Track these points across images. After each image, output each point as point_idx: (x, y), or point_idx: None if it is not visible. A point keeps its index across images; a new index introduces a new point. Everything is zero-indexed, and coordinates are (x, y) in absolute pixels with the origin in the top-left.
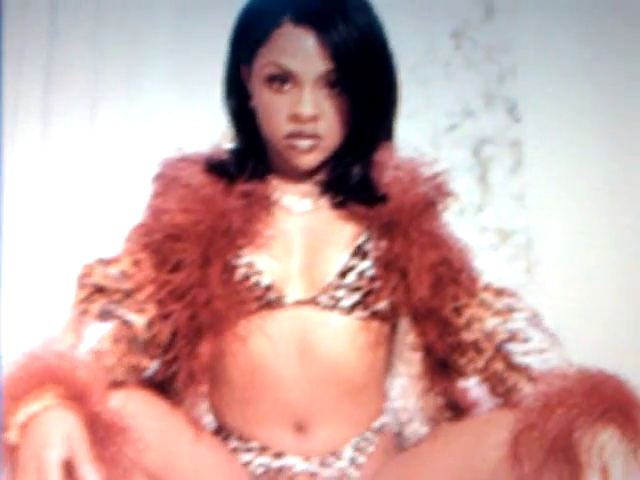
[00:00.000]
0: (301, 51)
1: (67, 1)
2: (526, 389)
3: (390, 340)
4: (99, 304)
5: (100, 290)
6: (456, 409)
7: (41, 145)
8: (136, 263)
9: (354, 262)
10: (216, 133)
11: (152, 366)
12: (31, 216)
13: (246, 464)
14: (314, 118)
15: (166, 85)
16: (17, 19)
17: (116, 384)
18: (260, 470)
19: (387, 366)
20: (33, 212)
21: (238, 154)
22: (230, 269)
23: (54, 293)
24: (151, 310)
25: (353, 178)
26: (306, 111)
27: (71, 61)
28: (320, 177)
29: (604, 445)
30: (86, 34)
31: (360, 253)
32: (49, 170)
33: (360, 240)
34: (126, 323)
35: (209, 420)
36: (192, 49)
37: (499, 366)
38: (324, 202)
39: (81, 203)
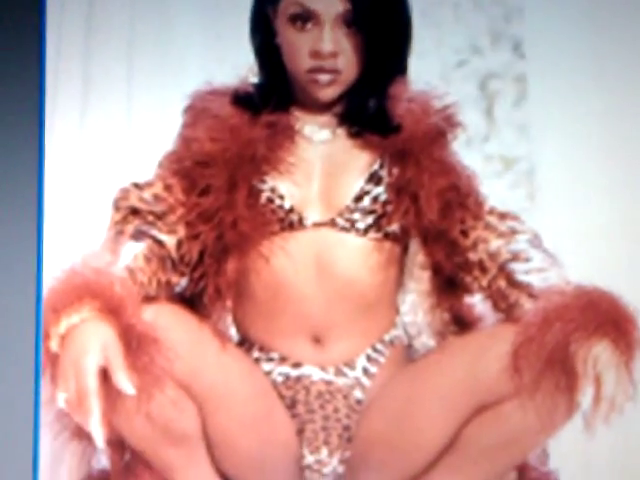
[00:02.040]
0: None
1: None
2: (526, 305)
3: (401, 259)
4: (133, 225)
5: (135, 212)
6: (462, 323)
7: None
8: (168, 187)
9: (369, 187)
10: (243, 68)
11: (181, 282)
12: (74, 148)
13: (267, 373)
14: (333, 54)
15: (197, 25)
16: None
17: (149, 299)
18: (280, 379)
19: (398, 283)
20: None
21: (263, 87)
22: (255, 193)
23: (93, 215)
24: (181, 231)
25: (369, 110)
26: (326, 48)
27: (109, 9)
28: (338, 109)
29: (598, 356)
30: None
31: (374, 179)
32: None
33: (374, 167)
34: (158, 242)
35: (233, 333)
36: None
37: (502, 284)
38: (342, 132)
39: (118, 134)
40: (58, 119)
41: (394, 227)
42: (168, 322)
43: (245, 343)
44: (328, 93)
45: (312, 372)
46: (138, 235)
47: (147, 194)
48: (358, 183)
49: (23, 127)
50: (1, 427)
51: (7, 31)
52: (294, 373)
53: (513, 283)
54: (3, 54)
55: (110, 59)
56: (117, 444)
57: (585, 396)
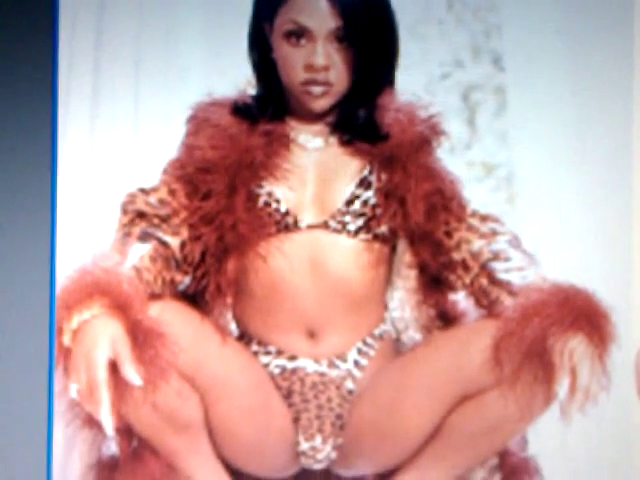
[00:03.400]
0: (315, 10)
1: None
2: (507, 301)
3: (390, 259)
4: (140, 227)
5: (141, 215)
6: (446, 319)
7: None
8: (172, 192)
9: (359, 192)
10: (242, 81)
11: (185, 281)
12: (85, 156)
13: (265, 365)
14: (326, 68)
15: (200, 41)
16: None
17: (154, 296)
18: (277, 370)
19: (387, 281)
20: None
21: (260, 99)
22: (253, 197)
23: (102, 218)
24: (184, 233)
25: (359, 119)
26: (319, 62)
27: (118, 19)
28: (330, 118)
29: (573, 349)
30: (131, 2)
31: (364, 184)
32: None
33: (364, 173)
34: (163, 244)
35: (233, 328)
36: (221, 9)
37: (484, 282)
38: (334, 140)
39: (125, 143)
40: (70, 129)
41: (383, 229)
42: (172, 318)
43: (244, 337)
44: (321, 104)
45: (307, 364)
46: (144, 237)
47: (153, 198)
48: (349, 188)
49: (38, 136)
50: (18, 416)
51: (22, 48)
52: (290, 365)
53: (494, 281)
54: (19, 69)
55: (118, 73)
56: (125, 432)
57: (561, 386)
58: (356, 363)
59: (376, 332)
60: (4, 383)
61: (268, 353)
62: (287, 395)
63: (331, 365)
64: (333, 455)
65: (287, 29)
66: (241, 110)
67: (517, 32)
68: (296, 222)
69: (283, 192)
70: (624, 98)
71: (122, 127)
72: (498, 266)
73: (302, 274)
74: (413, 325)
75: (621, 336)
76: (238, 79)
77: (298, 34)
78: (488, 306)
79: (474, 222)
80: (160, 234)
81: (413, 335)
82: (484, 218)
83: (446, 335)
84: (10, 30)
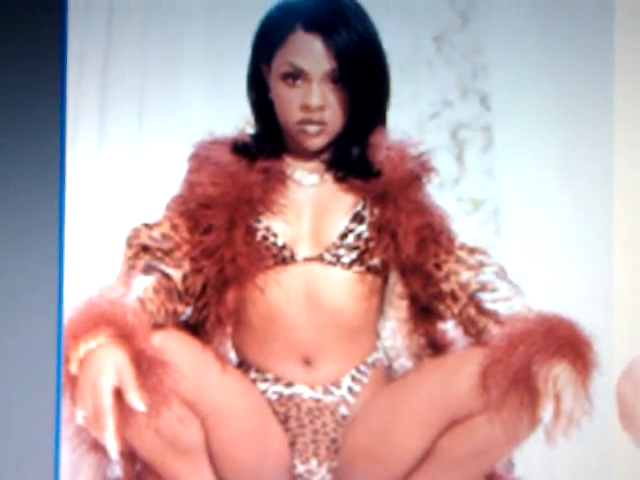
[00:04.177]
0: (310, 53)
1: (120, 13)
2: (494, 330)
3: (382, 290)
4: (144, 260)
5: (145, 249)
6: (436, 347)
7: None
8: (174, 227)
9: (353, 226)
10: (241, 120)
11: (186, 311)
12: (90, 193)
13: (263, 392)
14: (321, 108)
15: (201, 82)
16: (77, 26)
17: (157, 326)
18: (274, 397)
19: (379, 311)
20: (92, 190)
21: (258, 137)
22: (251, 232)
23: (108, 252)
24: (186, 265)
25: (353, 157)
26: (314, 102)
27: (123, 61)
28: (325, 156)
29: (558, 376)
30: (136, 43)
31: (358, 218)
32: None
33: (358, 208)
34: (166, 276)
35: (233, 356)
36: (221, 52)
37: (472, 311)
38: (329, 177)
39: (130, 179)
40: (77, 166)
41: (375, 261)
42: (175, 347)
43: (243, 365)
44: (316, 142)
45: (303, 391)
46: (148, 269)
47: (156, 233)
48: (343, 222)
49: (45, 175)
50: (26, 440)
51: (30, 83)
52: (287, 392)
53: (481, 311)
54: (27, 103)
55: (123, 114)
56: (129, 456)
57: (546, 411)
58: (350, 390)
59: (369, 360)
60: (13, 409)
61: (266, 380)
62: (284, 420)
63: (326, 391)
64: (328, 478)
65: (284, 71)
66: (240, 148)
67: (503, 72)
68: (292, 255)
69: (280, 226)
70: (606, 133)
71: (127, 164)
72: (485, 296)
73: (298, 305)
74: (404, 353)
75: (603, 363)
76: (237, 119)
77: (294, 75)
78: (476, 335)
79: (462, 254)
80: (163, 267)
81: (404, 363)
82: (472, 251)
83: (436, 362)
84: (19, 66)
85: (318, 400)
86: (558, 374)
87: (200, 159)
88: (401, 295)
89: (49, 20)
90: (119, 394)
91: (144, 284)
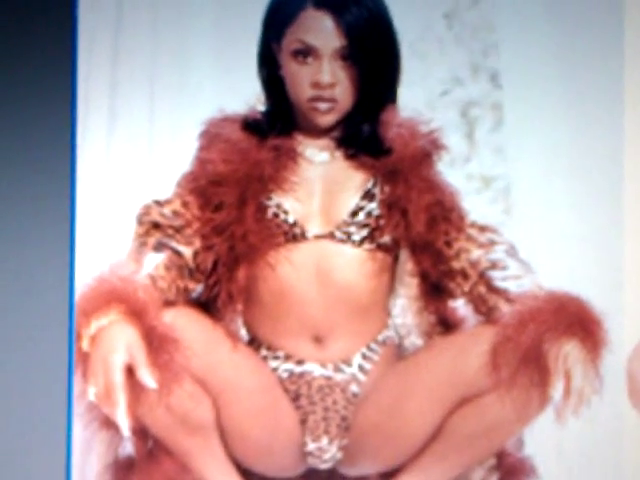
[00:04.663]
0: (321, 30)
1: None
2: (504, 308)
3: (392, 268)
4: (155, 238)
5: (156, 226)
6: (446, 325)
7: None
8: (185, 204)
9: (363, 203)
10: (251, 97)
11: (197, 289)
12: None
13: (274, 369)
14: (331, 85)
15: (211, 60)
16: (88, 13)
17: (168, 303)
18: (285, 374)
19: (390, 289)
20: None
21: (269, 115)
22: (262, 209)
23: (119, 228)
24: (197, 243)
25: (363, 134)
26: (325, 79)
27: (134, 40)
28: (336, 133)
29: (568, 354)
30: (146, 23)
31: (368, 196)
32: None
33: (368, 185)
34: (177, 253)
35: (244, 333)
36: (232, 30)
37: (482, 289)
38: (339, 154)
39: (141, 157)
40: (88, 144)
41: (386, 239)
42: (186, 324)
43: (254, 342)
44: (327, 119)
45: (313, 368)
46: (159, 247)
47: (167, 210)
48: (354, 200)
49: (57, 151)
50: (38, 418)
51: (41, 68)
52: (297, 369)
53: (492, 289)
54: (39, 89)
55: (134, 91)
56: (141, 433)
57: (556, 390)
58: (360, 367)
59: (379, 338)
60: (26, 387)
61: (277, 358)
62: (295, 398)
63: (337, 369)
64: (339, 455)
65: (294, 48)
66: (251, 125)
67: (513, 51)
68: (303, 232)
69: (291, 204)
70: (615, 112)
71: (138, 141)
72: (496, 274)
73: (309, 282)
74: (415, 331)
75: (613, 341)
76: (248, 96)
77: (305, 53)
78: (486, 313)
79: (473, 232)
80: (174, 244)
81: (415, 340)
82: (482, 228)
83: (446, 340)
84: (30, 51)
85: (329, 378)
86: (568, 352)
87: (211, 136)
88: (411, 273)
89: (60, 3)
90: (130, 371)
91: (155, 261)
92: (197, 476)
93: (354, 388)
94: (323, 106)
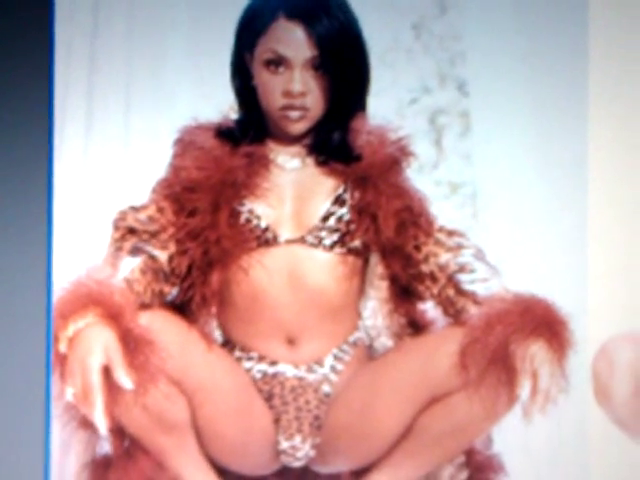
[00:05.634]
0: (292, 40)
1: (107, 6)
2: (472, 310)
3: (363, 271)
4: (131, 242)
5: (131, 231)
6: (416, 326)
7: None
8: (160, 210)
9: (334, 209)
10: (225, 106)
11: (172, 292)
12: (79, 175)
13: (248, 370)
14: (302, 94)
15: (186, 69)
16: (65, 21)
17: (144, 306)
18: (259, 375)
19: (360, 292)
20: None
21: (242, 123)
22: (235, 214)
23: (95, 233)
24: (172, 247)
25: (334, 142)
26: (296, 88)
27: (110, 49)
28: (307, 141)
29: (534, 355)
30: (122, 32)
31: (339, 201)
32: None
33: (339, 191)
34: (152, 257)
35: (218, 335)
36: (205, 40)
37: (450, 292)
38: (310, 161)
39: (116, 163)
40: (65, 149)
41: (356, 243)
42: (161, 326)
43: (228, 344)
44: (298, 127)
45: (286, 369)
46: (135, 251)
47: (142, 215)
48: (325, 205)
49: (34, 156)
50: (17, 418)
51: (19, 73)
52: (271, 370)
53: (460, 291)
54: (16, 93)
55: (110, 98)
56: (118, 432)
57: (523, 389)
58: (332, 368)
59: (351, 339)
60: (3, 388)
61: (250, 359)
62: (268, 398)
63: (309, 370)
64: (311, 453)
65: (266, 58)
66: (224, 133)
67: (480, 59)
68: (275, 237)
69: (263, 209)
70: (580, 119)
71: (114, 148)
72: (464, 278)
73: (281, 285)
74: (385, 332)
75: (578, 341)
76: (221, 104)
77: (277, 62)
78: (455, 315)
79: (441, 237)
80: (149, 248)
81: (385, 342)
82: (450, 233)
83: (415, 342)
84: (8, 59)
85: (301, 378)
86: (535, 353)
87: (185, 144)
88: (382, 276)
89: (36, 9)
90: (107, 372)
91: (131, 265)
92: (173, 474)
93: (326, 388)
94: (294, 114)
